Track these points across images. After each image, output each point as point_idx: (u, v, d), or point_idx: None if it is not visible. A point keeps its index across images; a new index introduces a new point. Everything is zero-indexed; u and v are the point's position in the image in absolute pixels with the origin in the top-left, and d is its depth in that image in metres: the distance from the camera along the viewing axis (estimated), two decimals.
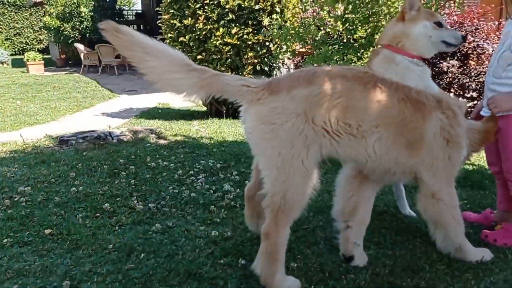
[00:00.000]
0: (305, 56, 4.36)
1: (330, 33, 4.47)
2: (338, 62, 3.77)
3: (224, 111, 8.01)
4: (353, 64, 3.87)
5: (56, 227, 2.77)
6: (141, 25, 22.34)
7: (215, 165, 4.11)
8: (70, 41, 16.91)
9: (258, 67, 7.39)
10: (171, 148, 4.64)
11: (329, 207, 3.10)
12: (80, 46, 16.52)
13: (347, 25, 3.99)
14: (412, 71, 2.63)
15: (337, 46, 4.00)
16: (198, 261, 2.36)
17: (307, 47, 6.49)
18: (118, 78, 14.85)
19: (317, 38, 4.43)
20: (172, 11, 7.50)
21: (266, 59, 7.33)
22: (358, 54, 3.98)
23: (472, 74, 5.74)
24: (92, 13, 17.08)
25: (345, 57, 3.77)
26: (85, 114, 8.43)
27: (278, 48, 7.68)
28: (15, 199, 3.24)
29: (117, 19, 18.89)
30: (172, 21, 7.59)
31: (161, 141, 4.98)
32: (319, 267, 2.31)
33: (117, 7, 19.79)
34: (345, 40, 4.29)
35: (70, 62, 18.20)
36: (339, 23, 4.05)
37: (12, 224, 2.82)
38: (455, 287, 2.16)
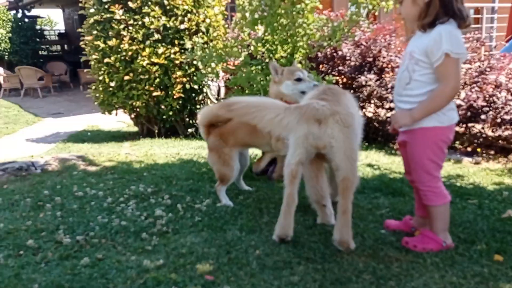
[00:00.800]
0: (230, 77, 4.45)
1: (253, 54, 4.61)
2: (261, 82, 3.89)
3: (156, 131, 7.93)
4: None
5: None
6: (65, 45, 21.61)
7: (146, 189, 4.06)
8: None
9: (187, 86, 7.42)
10: (100, 175, 4.51)
11: (260, 225, 3.17)
12: None
13: (267, 46, 4.14)
14: None
15: (259, 66, 4.12)
16: None
17: (235, 64, 6.62)
18: (43, 100, 14.23)
19: (240, 59, 4.53)
20: (96, 32, 7.36)
21: (195, 78, 7.35)
22: None
23: (388, 86, 6.13)
24: (11, 34, 16.26)
25: (267, 77, 3.89)
26: (6, 141, 7.99)
27: (201, 71, 7.70)
28: None
29: (38, 39, 18.13)
30: (96, 42, 7.44)
31: (89, 168, 4.84)
32: (253, 287, 2.36)
33: (38, 27, 18.93)
34: (267, 60, 4.44)
35: None
36: (259, 44, 4.19)
37: None
38: None
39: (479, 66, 5.99)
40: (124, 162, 5.11)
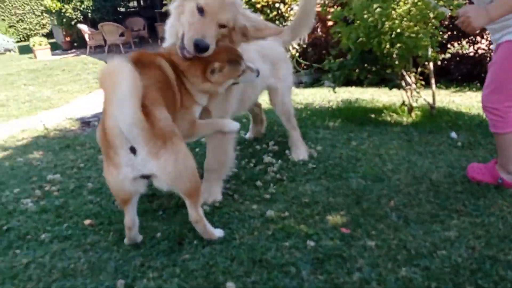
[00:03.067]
0: (336, 8, 3.94)
1: None
2: (376, 10, 3.37)
3: None
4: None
5: (95, 217, 2.53)
6: (141, 0, 21.77)
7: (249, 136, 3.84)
8: (73, 23, 16.48)
9: None
10: None
11: (386, 173, 2.84)
12: (83, 27, 16.09)
13: None
14: None
15: None
16: (260, 246, 2.11)
17: (318, 6, 6.07)
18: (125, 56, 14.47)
19: None
20: None
21: (277, 22, 6.94)
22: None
23: None
24: None
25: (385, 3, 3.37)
26: (98, 95, 8.17)
27: (289, 9, 7.31)
28: (46, 189, 2.99)
29: None
30: None
31: None
32: (401, 243, 2.04)
33: None
34: None
35: (75, 44, 17.80)
36: None
37: (47, 217, 2.57)
38: None
39: None
40: None
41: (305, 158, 3.24)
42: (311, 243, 2.09)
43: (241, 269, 1.95)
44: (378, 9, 3.34)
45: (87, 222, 2.48)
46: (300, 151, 3.30)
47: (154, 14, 17.96)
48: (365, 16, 3.39)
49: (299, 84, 7.49)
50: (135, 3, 21.76)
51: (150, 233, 2.32)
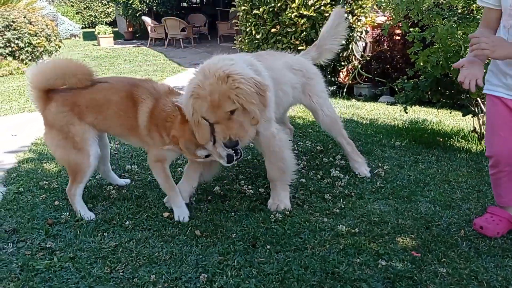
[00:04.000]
0: (414, 29, 3.92)
1: (440, 2, 4.02)
2: (460, 37, 3.37)
3: None
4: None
5: (172, 210, 2.70)
6: None
7: (314, 147, 3.92)
8: (137, 14, 17.10)
9: None
10: None
11: (455, 201, 2.84)
12: (147, 19, 16.67)
13: None
14: None
15: (455, 19, 3.58)
16: (331, 258, 2.19)
17: (388, 18, 6.05)
18: (184, 51, 14.87)
19: (423, 8, 3.97)
20: None
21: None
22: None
23: None
24: None
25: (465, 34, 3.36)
26: None
27: (356, 20, 7.32)
28: (126, 178, 3.20)
29: None
30: None
31: None
32: (473, 274, 2.07)
33: None
34: (459, 11, 3.87)
35: (137, 35, 18.48)
36: None
37: (128, 205, 2.77)
38: None
39: None
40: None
41: (364, 170, 3.28)
42: (382, 262, 2.15)
43: (314, 279, 2.04)
44: (462, 35, 3.34)
45: (165, 214, 2.64)
46: (359, 164, 3.32)
47: (216, 12, 18.36)
48: (448, 41, 3.39)
49: (358, 96, 7.49)
50: (198, 0, 22.28)
51: (225, 232, 2.45)
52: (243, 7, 7.73)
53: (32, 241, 2.34)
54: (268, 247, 2.31)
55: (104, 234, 2.42)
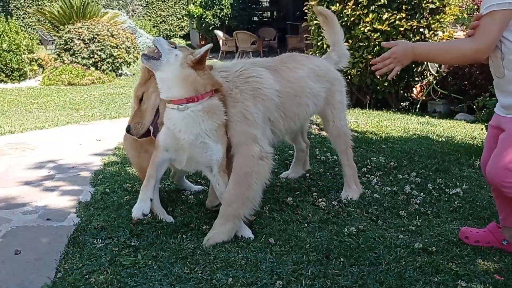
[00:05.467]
0: None
1: None
2: None
3: (368, 102, 7.67)
4: None
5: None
6: (274, 12, 22.60)
7: (388, 163, 3.85)
8: (210, 28, 17.73)
9: None
10: None
11: None
12: (219, 33, 17.23)
13: None
14: None
15: None
16: (408, 275, 2.15)
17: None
18: None
19: None
20: None
21: None
22: None
23: None
24: (232, 0, 17.67)
25: None
26: None
27: (433, 35, 7.12)
28: (201, 183, 3.35)
29: (253, 6, 19.35)
30: (319, 7, 7.42)
31: (323, 132, 4.84)
32: None
33: None
34: None
35: None
36: None
37: (205, 210, 2.88)
38: None
39: None
40: (356, 131, 4.98)
41: (354, 198, 3.04)
42: (462, 283, 2.07)
43: None
44: None
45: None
46: (350, 191, 3.10)
47: (286, 26, 18.59)
48: None
49: (432, 112, 7.26)
50: (269, 14, 22.68)
51: (298, 242, 2.48)
52: (315, 21, 7.79)
53: (118, 238, 2.51)
54: (342, 259, 2.30)
55: (183, 236, 2.54)
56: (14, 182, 3.53)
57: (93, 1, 13.12)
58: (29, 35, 12.86)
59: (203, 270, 2.19)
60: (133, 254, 2.34)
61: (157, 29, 23.74)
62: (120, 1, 23.37)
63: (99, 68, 11.41)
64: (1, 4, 21.81)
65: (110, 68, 11.64)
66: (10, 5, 21.92)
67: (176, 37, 20.13)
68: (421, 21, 6.94)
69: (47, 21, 14.00)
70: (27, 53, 11.25)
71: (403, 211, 2.88)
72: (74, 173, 3.72)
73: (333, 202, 3.02)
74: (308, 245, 2.45)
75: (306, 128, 3.57)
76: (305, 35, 9.22)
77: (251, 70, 2.70)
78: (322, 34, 7.71)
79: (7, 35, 10.50)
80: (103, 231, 2.60)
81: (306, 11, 8.22)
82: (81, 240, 2.50)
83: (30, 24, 20.78)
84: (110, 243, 2.46)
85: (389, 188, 3.29)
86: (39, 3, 21.49)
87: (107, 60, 11.49)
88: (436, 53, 2.26)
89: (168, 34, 23.74)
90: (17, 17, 20.29)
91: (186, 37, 22.97)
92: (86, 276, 2.14)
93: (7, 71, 10.58)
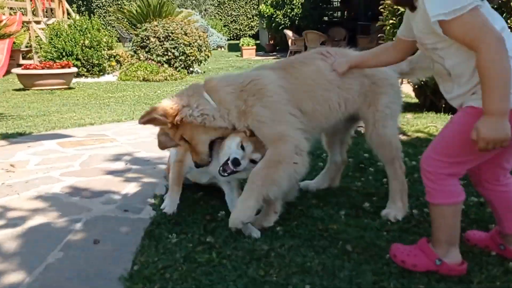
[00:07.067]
0: None
1: None
2: None
3: (443, 105, 7.24)
4: None
5: (321, 222, 2.67)
6: (345, 11, 22.18)
7: None
8: (280, 28, 17.72)
9: None
10: (415, 146, 4.24)
11: None
12: (288, 33, 17.19)
13: None
14: None
15: None
16: None
17: None
18: None
19: None
20: None
21: None
22: None
23: None
24: (303, 0, 17.55)
25: None
26: None
27: None
28: None
29: (324, 6, 19.11)
30: (395, 7, 7.12)
31: (400, 137, 4.62)
32: None
33: None
34: None
35: (277, 47, 19.15)
36: None
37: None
38: None
39: None
40: (434, 135, 4.69)
41: (398, 218, 2.71)
42: None
43: None
44: None
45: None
46: (395, 208, 2.76)
47: (356, 26, 18.17)
48: None
49: None
50: (339, 14, 22.31)
51: (378, 251, 2.34)
52: (390, 21, 7.50)
53: (193, 234, 2.51)
54: (427, 274, 2.14)
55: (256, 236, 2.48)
56: (94, 172, 3.67)
57: (168, 0, 13.52)
58: (109, 32, 13.49)
59: (278, 274, 2.12)
60: (207, 251, 2.32)
61: (228, 28, 24.18)
62: (194, 1, 24.05)
63: (172, 65, 11.76)
64: (85, 3, 23.21)
65: (183, 65, 11.96)
66: (92, 3, 23.27)
67: (245, 36, 20.30)
68: (508, 21, 6.45)
69: (125, 19, 14.66)
70: (106, 49, 11.83)
71: (493, 225, 2.64)
72: (150, 166, 3.81)
73: (413, 210, 2.84)
74: (388, 255, 2.30)
75: (348, 141, 3.26)
76: (378, 35, 8.92)
77: (251, 75, 2.64)
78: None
79: (90, 32, 11.09)
80: (177, 226, 2.62)
81: (381, 10, 7.93)
82: (156, 233, 2.53)
83: (110, 22, 21.95)
84: (184, 239, 2.46)
85: (475, 198, 3.04)
86: (119, 2, 22.64)
87: (180, 57, 11.81)
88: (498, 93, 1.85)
89: (238, 33, 24.08)
90: (98, 15, 21.46)
91: (255, 36, 23.18)
92: (161, 271, 2.14)
93: (88, 66, 11.18)
